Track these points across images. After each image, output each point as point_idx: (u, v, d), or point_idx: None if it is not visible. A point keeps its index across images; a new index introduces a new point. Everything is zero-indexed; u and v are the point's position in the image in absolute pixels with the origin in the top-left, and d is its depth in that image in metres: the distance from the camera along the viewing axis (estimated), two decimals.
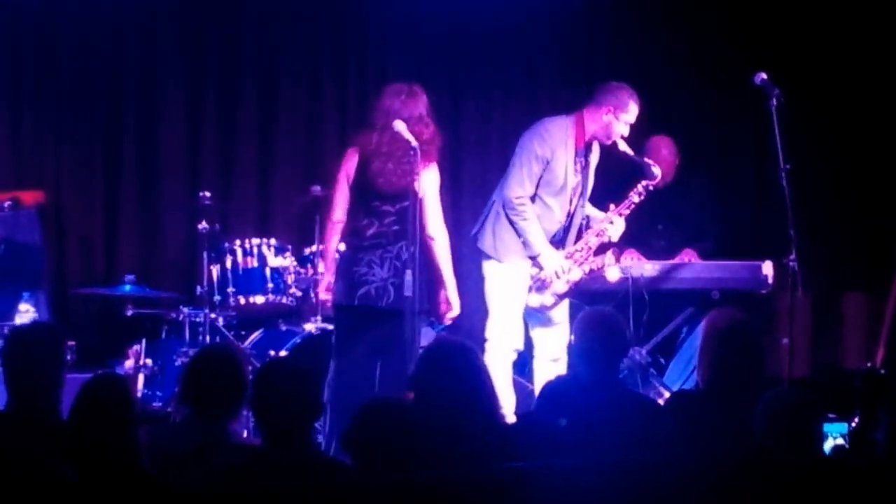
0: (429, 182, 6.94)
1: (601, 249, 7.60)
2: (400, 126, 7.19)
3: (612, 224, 7.55)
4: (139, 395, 7.92)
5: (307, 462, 4.45)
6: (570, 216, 7.58)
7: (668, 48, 9.68)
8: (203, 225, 8.14)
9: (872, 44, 9.35)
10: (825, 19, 9.42)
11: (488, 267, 7.57)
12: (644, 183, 7.52)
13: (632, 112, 7.43)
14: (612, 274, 7.62)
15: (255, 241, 8.24)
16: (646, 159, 7.61)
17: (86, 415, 4.27)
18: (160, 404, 8.00)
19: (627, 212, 7.56)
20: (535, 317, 7.57)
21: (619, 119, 7.42)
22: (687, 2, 9.68)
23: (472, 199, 9.33)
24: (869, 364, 8.07)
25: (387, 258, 6.94)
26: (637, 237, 8.09)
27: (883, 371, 7.69)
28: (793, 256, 7.09)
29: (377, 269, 6.94)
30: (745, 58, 8.88)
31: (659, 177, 7.53)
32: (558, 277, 7.45)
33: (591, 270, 7.54)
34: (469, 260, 7.86)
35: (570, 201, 7.54)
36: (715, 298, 8.21)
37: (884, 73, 9.33)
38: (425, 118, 7.01)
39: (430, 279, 7.11)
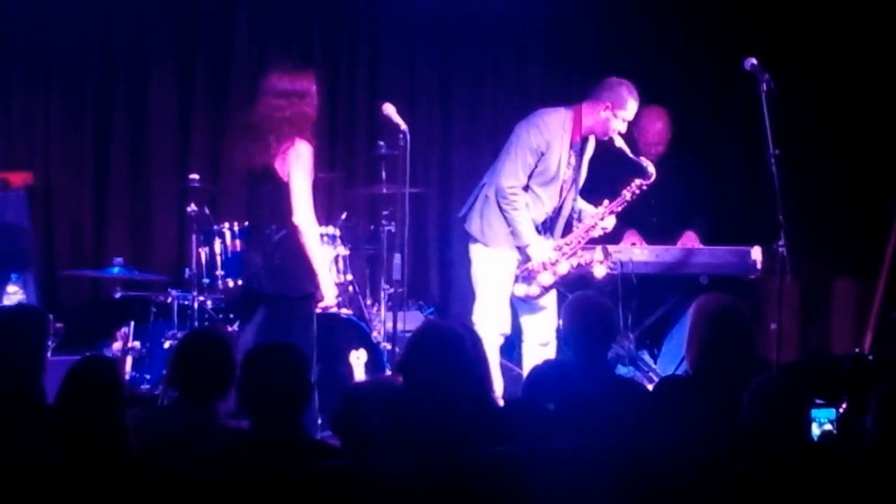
0: (292, 164, 6.57)
1: (590, 244, 7.59)
2: (389, 110, 7.20)
3: (603, 221, 7.54)
4: (127, 377, 7.90)
5: (296, 445, 4.45)
6: (559, 207, 7.57)
7: (658, 33, 9.68)
8: (192, 208, 8.12)
9: (862, 29, 9.35)
10: (815, 3, 9.41)
11: (475, 250, 7.56)
12: (638, 182, 7.50)
13: (630, 110, 7.41)
14: (599, 271, 7.59)
15: (244, 224, 8.20)
16: (641, 158, 7.58)
17: (74, 397, 4.26)
18: (148, 387, 8.00)
19: (619, 209, 7.55)
20: (523, 301, 7.56)
21: (616, 116, 7.39)
22: None
23: (461, 186, 9.33)
24: (857, 349, 8.09)
25: (260, 242, 6.75)
26: (632, 217, 8.08)
27: (871, 356, 7.70)
28: (782, 242, 7.09)
29: (253, 254, 6.80)
30: (735, 43, 8.89)
31: (654, 176, 7.50)
32: (545, 269, 7.45)
33: (579, 265, 7.52)
34: (460, 244, 7.86)
35: (560, 193, 7.53)
36: (703, 283, 8.23)
37: (873, 58, 9.33)
38: (291, 94, 6.63)
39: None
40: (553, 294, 7.56)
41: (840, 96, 9.44)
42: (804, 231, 7.89)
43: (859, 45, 9.35)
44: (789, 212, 7.13)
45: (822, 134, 9.44)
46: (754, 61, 7.17)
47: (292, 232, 6.59)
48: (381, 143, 8.44)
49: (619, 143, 7.46)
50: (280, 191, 6.60)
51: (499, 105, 9.70)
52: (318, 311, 6.84)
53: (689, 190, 8.72)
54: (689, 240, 8.53)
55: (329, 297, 6.72)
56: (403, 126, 7.16)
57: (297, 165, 6.56)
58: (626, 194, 7.52)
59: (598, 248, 7.55)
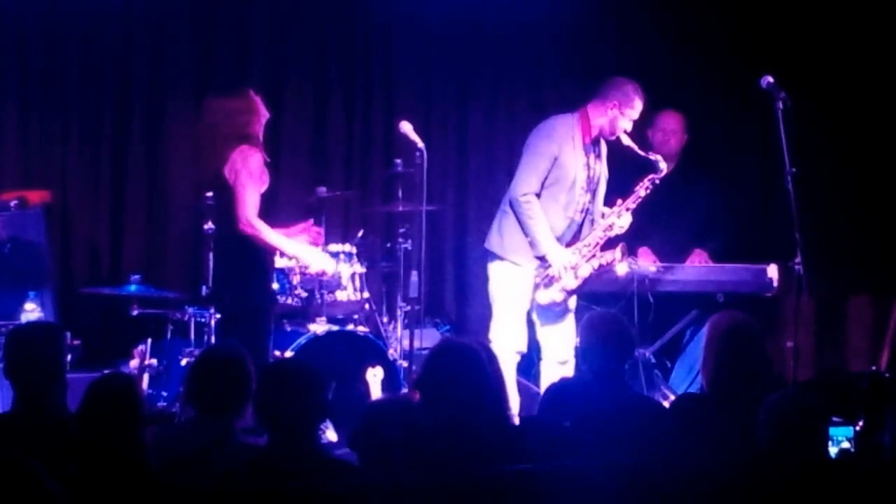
0: (238, 168, 6.71)
1: (609, 244, 7.59)
2: (406, 128, 7.23)
3: (620, 219, 7.55)
4: (144, 395, 7.90)
5: (313, 462, 4.46)
6: (584, 212, 7.57)
7: (675, 50, 9.67)
8: (209, 225, 8.12)
9: (878, 48, 9.34)
10: (832, 23, 9.41)
11: (493, 268, 7.56)
12: (651, 177, 7.53)
13: (636, 107, 7.45)
14: (621, 269, 7.64)
15: None
16: (651, 154, 7.61)
17: (94, 414, 4.27)
18: (165, 404, 8.00)
19: (634, 206, 7.56)
20: (542, 319, 7.56)
21: (623, 114, 7.43)
22: (694, 4, 9.68)
23: (477, 204, 9.37)
24: (874, 367, 8.08)
25: (217, 253, 6.91)
26: (645, 234, 8.08)
27: (888, 374, 7.69)
28: (798, 259, 7.10)
29: (214, 266, 6.96)
30: (752, 60, 8.88)
31: (665, 170, 7.54)
32: (566, 272, 7.43)
33: (601, 266, 7.53)
34: (476, 261, 7.86)
35: (584, 193, 7.52)
36: (719, 301, 8.21)
37: (890, 77, 9.32)
38: (232, 112, 6.82)
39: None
40: (572, 312, 7.55)
41: (857, 114, 9.43)
42: (820, 249, 7.87)
43: (877, 63, 9.35)
44: (805, 229, 7.13)
45: (839, 152, 9.43)
46: (771, 79, 7.19)
47: (243, 238, 6.69)
48: (398, 160, 8.44)
49: (627, 141, 7.49)
50: (230, 197, 6.72)
51: (515, 124, 9.69)
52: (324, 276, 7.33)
53: (703, 208, 8.71)
54: (698, 257, 8.51)
55: (317, 264, 7.11)
56: (420, 144, 7.17)
57: (244, 170, 6.69)
58: (640, 190, 7.54)
59: (618, 247, 7.54)
